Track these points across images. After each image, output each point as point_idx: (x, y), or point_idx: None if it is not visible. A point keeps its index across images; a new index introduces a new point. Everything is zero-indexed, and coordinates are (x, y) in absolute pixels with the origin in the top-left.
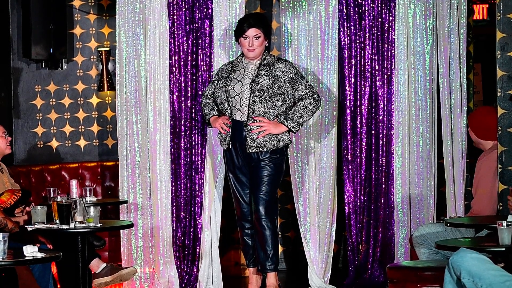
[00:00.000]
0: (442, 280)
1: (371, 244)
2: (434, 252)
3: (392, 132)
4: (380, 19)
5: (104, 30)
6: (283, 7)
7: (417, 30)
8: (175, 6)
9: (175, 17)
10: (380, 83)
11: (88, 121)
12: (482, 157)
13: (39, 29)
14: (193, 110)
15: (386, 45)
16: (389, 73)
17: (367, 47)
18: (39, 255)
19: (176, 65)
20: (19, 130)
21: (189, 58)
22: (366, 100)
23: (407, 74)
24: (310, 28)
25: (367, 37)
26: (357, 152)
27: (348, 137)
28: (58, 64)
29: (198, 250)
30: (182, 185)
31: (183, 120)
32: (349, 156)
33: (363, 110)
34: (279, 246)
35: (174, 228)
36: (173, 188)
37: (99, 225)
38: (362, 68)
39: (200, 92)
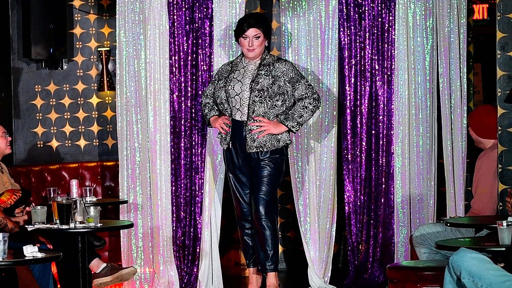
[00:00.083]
0: (442, 280)
1: (371, 244)
2: (434, 252)
3: (392, 132)
4: (380, 19)
5: (104, 30)
6: (283, 7)
7: (417, 30)
8: (175, 6)
9: (175, 17)
10: (380, 83)
11: (88, 121)
12: (482, 156)
13: (39, 29)
14: (193, 110)
15: (386, 45)
16: (389, 73)
17: (367, 47)
18: (39, 255)
19: (176, 65)
20: (19, 130)
21: (189, 58)
22: (366, 100)
23: (407, 74)
24: (310, 28)
25: (367, 37)
26: (357, 152)
27: (348, 137)
28: (58, 64)
29: (198, 250)
30: (182, 185)
31: (183, 120)
32: (349, 156)
33: (363, 110)
34: (279, 246)
35: (174, 228)
36: (173, 188)
37: (99, 225)
38: (362, 68)
39: (200, 92)
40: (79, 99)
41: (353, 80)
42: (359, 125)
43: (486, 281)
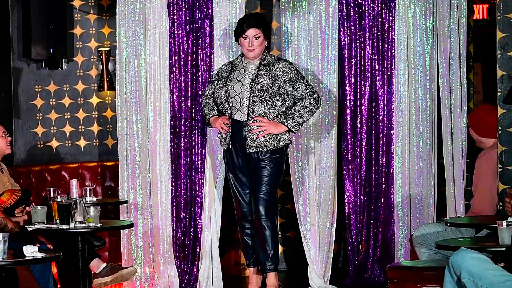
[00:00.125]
0: (442, 280)
1: (371, 244)
2: (434, 252)
3: (392, 132)
4: (380, 19)
5: (104, 30)
6: (283, 7)
7: (417, 30)
8: (175, 6)
9: (175, 17)
10: (380, 83)
11: (88, 121)
12: (482, 155)
13: (39, 29)
14: (193, 110)
15: (386, 45)
16: (389, 73)
17: (367, 47)
18: (39, 255)
19: (176, 65)
20: (19, 130)
21: (189, 58)
22: (366, 100)
23: (407, 74)
24: (310, 28)
25: (367, 37)
26: (357, 152)
27: (348, 137)
28: (58, 64)
29: (198, 250)
30: (182, 185)
31: (183, 120)
32: (349, 156)
33: (363, 110)
34: (279, 246)
35: (174, 228)
36: (173, 188)
37: (99, 225)
38: (362, 68)
39: (200, 92)
40: (79, 99)
41: (353, 80)
42: (359, 125)
43: (486, 281)
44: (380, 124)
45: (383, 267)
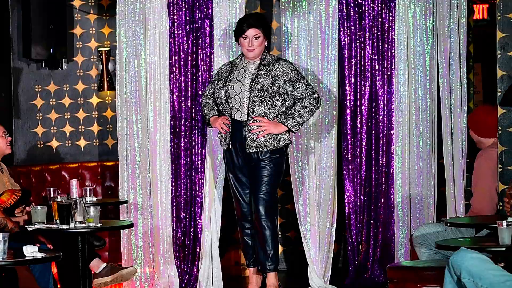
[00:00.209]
0: (442, 280)
1: (371, 244)
2: (434, 252)
3: (392, 132)
4: (380, 19)
5: (104, 30)
6: (283, 7)
7: (417, 30)
8: (175, 6)
9: (175, 17)
10: (380, 83)
11: (88, 121)
12: (481, 154)
13: (39, 29)
14: (193, 110)
15: (386, 45)
16: (389, 73)
17: (367, 47)
18: (39, 255)
19: (176, 65)
20: (19, 130)
21: (189, 58)
22: (366, 100)
23: (407, 74)
24: (310, 28)
25: (367, 37)
26: (357, 152)
27: (348, 137)
28: (58, 64)
29: (198, 250)
30: (182, 185)
31: (183, 120)
32: (349, 156)
33: (363, 110)
34: (279, 246)
35: (174, 228)
36: (173, 188)
37: (99, 225)
38: (362, 68)
39: (200, 92)
40: (79, 99)
41: (353, 80)
42: (359, 125)
43: (486, 281)
44: (380, 124)
45: (383, 267)
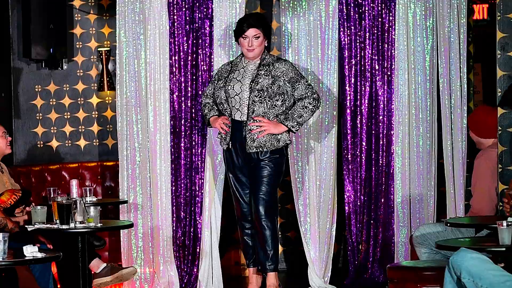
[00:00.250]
0: (442, 280)
1: (371, 244)
2: (434, 252)
3: (392, 132)
4: (380, 19)
5: (104, 30)
6: (283, 7)
7: (417, 30)
8: (175, 6)
9: (175, 17)
10: (380, 83)
11: (88, 121)
12: (480, 155)
13: (39, 29)
14: (193, 110)
15: (386, 45)
16: (389, 73)
17: (367, 47)
18: (39, 255)
19: (176, 65)
20: (19, 130)
21: (189, 58)
22: (366, 100)
23: (407, 74)
24: (310, 28)
25: (367, 37)
26: (357, 152)
27: (348, 137)
28: (58, 64)
29: (198, 250)
30: (182, 185)
31: (183, 120)
32: (349, 156)
33: (363, 110)
34: (279, 246)
35: (174, 228)
36: (173, 188)
37: (99, 225)
38: (362, 68)
39: (200, 92)
40: (79, 99)
41: (353, 80)
42: (359, 125)
43: (486, 281)
44: (380, 124)
45: (383, 267)
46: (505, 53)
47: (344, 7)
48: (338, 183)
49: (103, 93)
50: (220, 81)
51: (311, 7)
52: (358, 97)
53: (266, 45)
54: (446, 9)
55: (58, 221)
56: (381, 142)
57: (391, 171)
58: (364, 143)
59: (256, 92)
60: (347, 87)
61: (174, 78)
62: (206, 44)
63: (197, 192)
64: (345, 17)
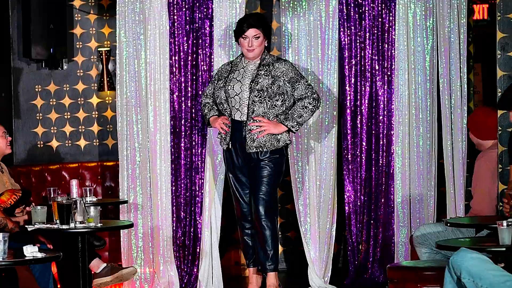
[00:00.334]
0: (442, 280)
1: (371, 244)
2: (434, 252)
3: (392, 132)
4: (380, 19)
5: (104, 30)
6: (283, 7)
7: (417, 30)
8: (175, 6)
9: (175, 17)
10: (380, 83)
11: (88, 121)
12: (481, 156)
13: (39, 29)
14: (193, 110)
15: (386, 45)
16: (389, 73)
17: (367, 47)
18: (39, 255)
19: (176, 65)
20: (19, 130)
21: (189, 58)
22: (366, 100)
23: (407, 74)
24: (310, 28)
25: (367, 37)
26: (357, 152)
27: (348, 137)
28: (58, 64)
29: (198, 250)
30: (182, 185)
31: (183, 120)
32: (349, 156)
33: (363, 110)
34: (279, 246)
35: (174, 228)
36: (173, 188)
37: (99, 225)
38: (362, 68)
39: (200, 92)
40: (79, 99)
41: (353, 80)
42: (359, 125)
43: (486, 281)
44: (380, 124)
45: (383, 267)
46: (505, 53)
47: (344, 7)
48: (338, 183)
49: (103, 93)
50: (220, 81)
51: (311, 7)
52: (358, 97)
53: (266, 45)
54: (446, 9)
55: (58, 221)
56: (381, 142)
57: (391, 171)
58: (364, 143)
59: (256, 92)
60: (347, 87)
61: (174, 78)
62: (206, 44)
63: (197, 192)
64: (345, 17)
